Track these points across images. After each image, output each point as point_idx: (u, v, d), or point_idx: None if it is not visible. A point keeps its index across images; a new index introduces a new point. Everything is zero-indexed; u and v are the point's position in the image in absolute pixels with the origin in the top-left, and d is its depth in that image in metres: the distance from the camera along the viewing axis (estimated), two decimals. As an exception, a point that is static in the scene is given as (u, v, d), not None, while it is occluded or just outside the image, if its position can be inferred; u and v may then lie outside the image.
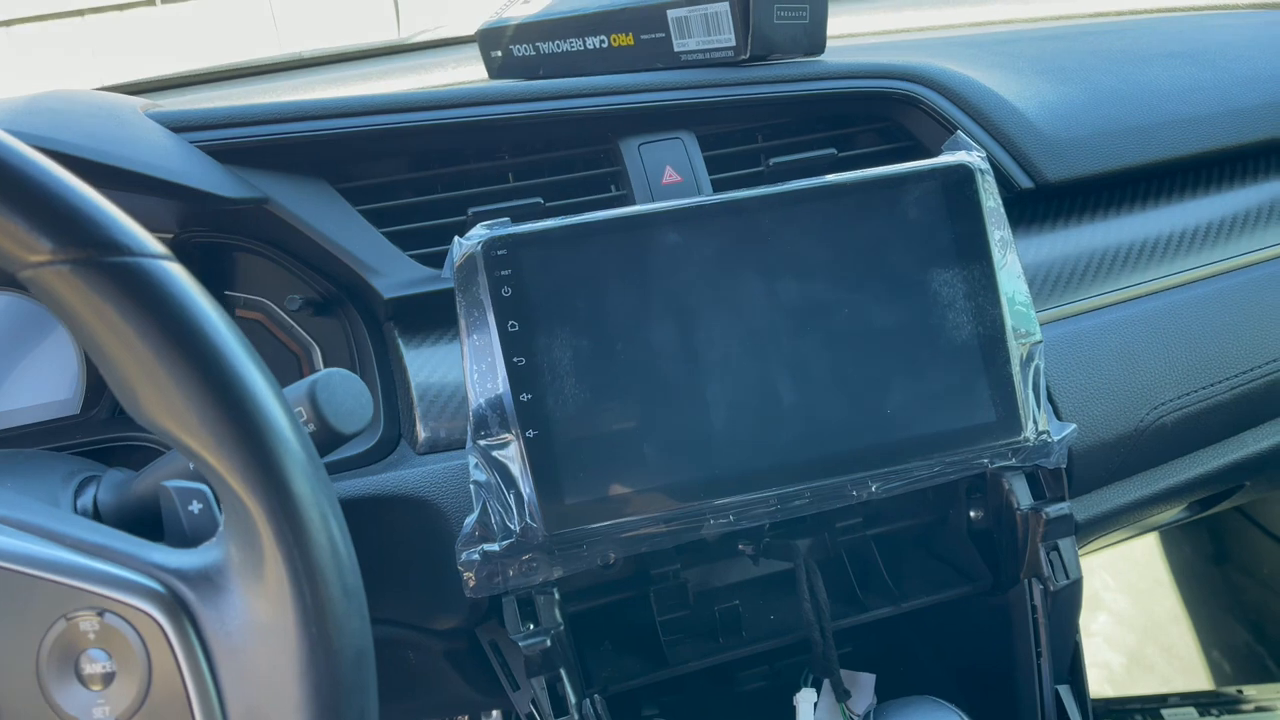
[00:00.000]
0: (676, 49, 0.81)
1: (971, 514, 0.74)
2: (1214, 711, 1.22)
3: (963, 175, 0.65)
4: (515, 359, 0.60)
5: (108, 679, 0.40)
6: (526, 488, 0.60)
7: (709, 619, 0.72)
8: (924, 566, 0.77)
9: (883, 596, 0.74)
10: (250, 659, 0.38)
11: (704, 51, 0.80)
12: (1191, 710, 1.22)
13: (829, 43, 0.83)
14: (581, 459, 0.60)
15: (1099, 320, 0.75)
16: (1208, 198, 0.82)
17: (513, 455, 0.60)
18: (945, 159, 0.66)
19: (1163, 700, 1.23)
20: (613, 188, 0.75)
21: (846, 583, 0.75)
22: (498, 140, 0.75)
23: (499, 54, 0.97)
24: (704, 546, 0.73)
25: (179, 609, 0.39)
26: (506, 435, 0.60)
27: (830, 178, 0.65)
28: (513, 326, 0.60)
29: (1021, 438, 0.64)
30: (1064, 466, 0.68)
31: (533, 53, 0.93)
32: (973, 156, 0.67)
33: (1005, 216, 0.66)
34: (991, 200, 0.66)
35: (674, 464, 0.61)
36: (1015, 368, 0.64)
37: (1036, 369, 0.66)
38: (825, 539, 0.74)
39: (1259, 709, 1.23)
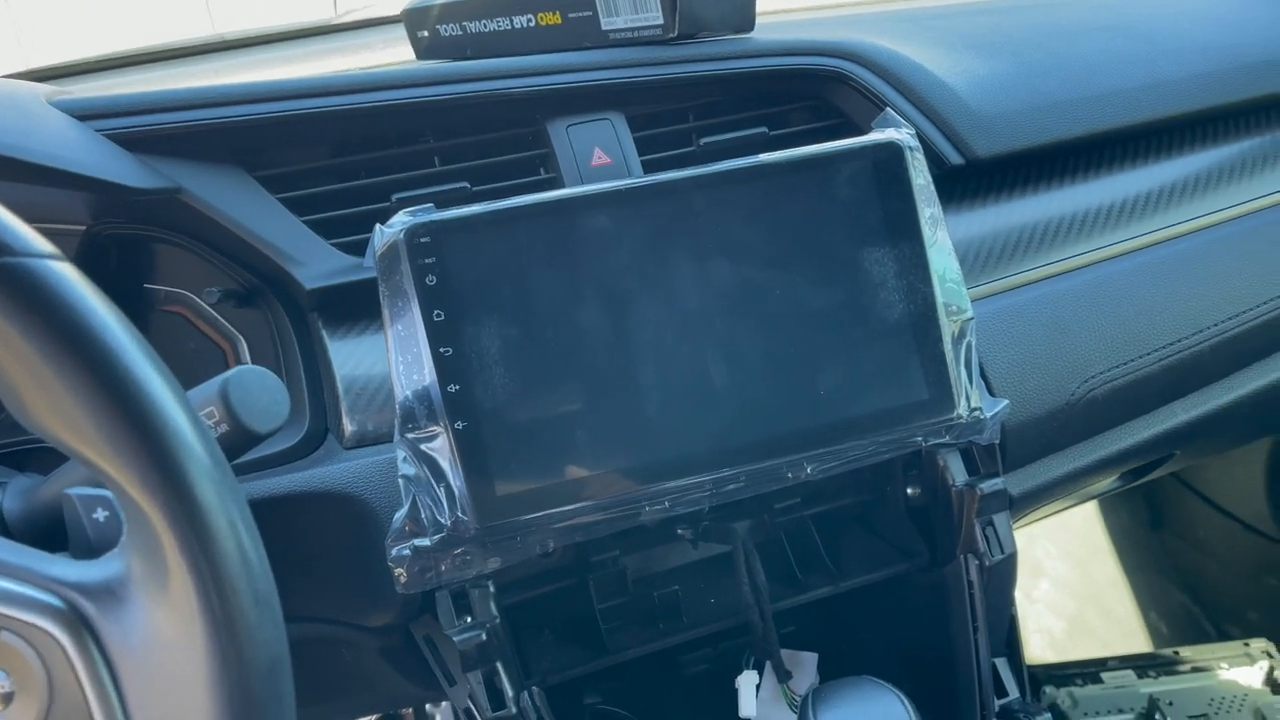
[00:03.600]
0: (604, 27, 0.80)
1: (909, 491, 0.74)
2: (1152, 673, 1.25)
3: (892, 153, 0.65)
4: (442, 349, 0.59)
5: (7, 699, 0.38)
6: (457, 480, 0.59)
7: (649, 605, 0.72)
8: (863, 545, 0.77)
9: (822, 576, 0.74)
10: (157, 674, 0.36)
11: (632, 30, 0.78)
12: (1130, 673, 1.25)
13: (762, 19, 0.82)
14: (513, 449, 0.59)
15: (1030, 295, 0.75)
16: (1134, 171, 0.83)
17: (442, 448, 0.59)
18: (874, 137, 0.66)
19: (1102, 664, 1.26)
20: (541, 171, 0.73)
21: (786, 563, 0.75)
22: (422, 124, 0.73)
23: (426, 34, 0.94)
24: (643, 532, 0.72)
25: (79, 624, 0.37)
26: (435, 427, 0.59)
27: (759, 158, 0.64)
28: (438, 316, 0.59)
29: (954, 415, 0.64)
30: (997, 442, 0.68)
31: (460, 32, 0.91)
32: (902, 134, 0.66)
33: (936, 193, 0.66)
34: (921, 177, 0.66)
35: (607, 451, 0.60)
36: (947, 345, 0.64)
37: (969, 346, 0.66)
38: (764, 520, 0.74)
39: (1195, 669, 1.26)
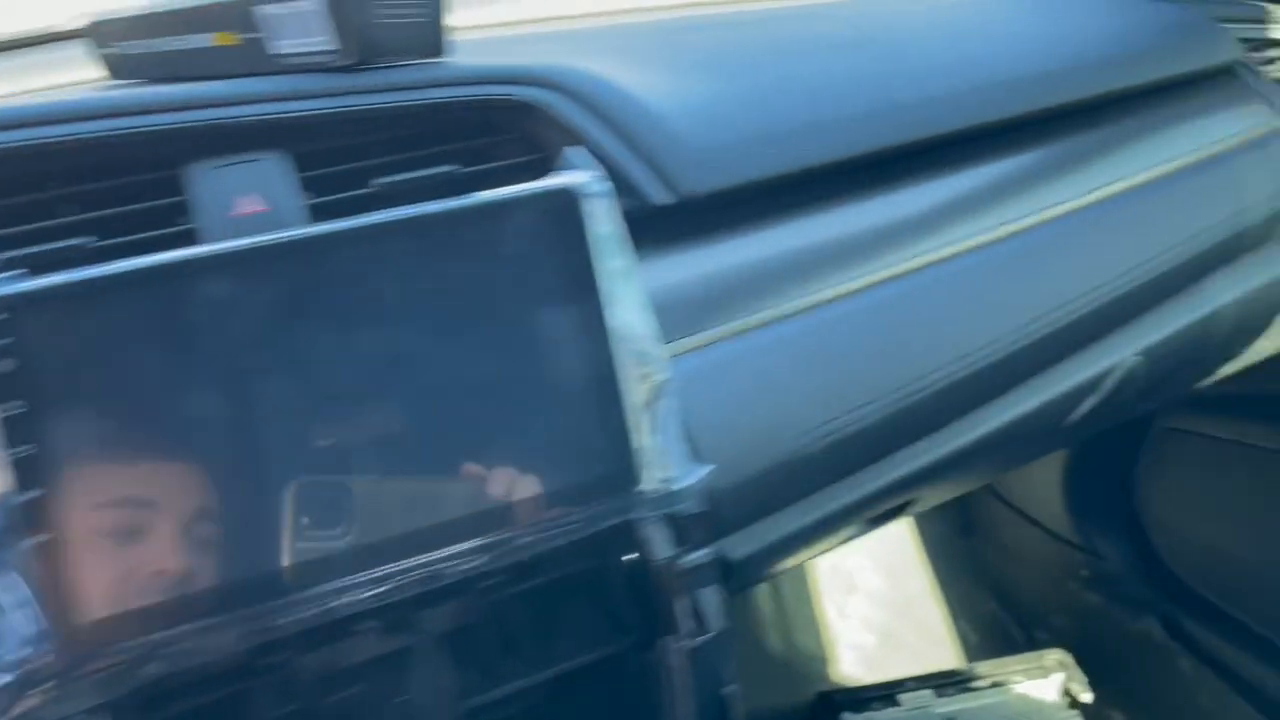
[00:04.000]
0: (276, 51, 0.70)
1: (623, 561, 0.68)
2: (949, 691, 1.24)
3: (564, 201, 0.58)
4: (18, 449, 0.49)
5: None
6: (37, 605, 0.49)
7: (328, 711, 0.63)
8: (581, 621, 0.70)
9: (528, 662, 0.67)
10: None
11: (305, 55, 0.70)
12: (928, 693, 1.23)
13: (481, 34, 0.75)
14: (109, 563, 0.50)
15: (742, 346, 0.69)
16: (863, 203, 0.77)
17: (17, 566, 0.49)
18: (547, 182, 0.59)
19: (899, 685, 1.24)
20: (179, 222, 0.64)
21: (491, 649, 0.68)
22: (40, 168, 0.63)
23: (111, 51, 0.84)
24: (319, 625, 0.64)
25: None
26: (7, 543, 0.49)
27: (411, 209, 0.57)
28: (15, 408, 0.49)
29: (639, 490, 0.58)
30: (702, 510, 0.63)
31: (144, 50, 0.81)
32: (583, 177, 0.59)
33: (627, 241, 0.60)
34: (606, 226, 0.59)
35: (228, 559, 0.52)
36: (632, 412, 0.58)
37: (665, 408, 0.60)
38: (465, 602, 0.67)
39: (993, 684, 1.26)
